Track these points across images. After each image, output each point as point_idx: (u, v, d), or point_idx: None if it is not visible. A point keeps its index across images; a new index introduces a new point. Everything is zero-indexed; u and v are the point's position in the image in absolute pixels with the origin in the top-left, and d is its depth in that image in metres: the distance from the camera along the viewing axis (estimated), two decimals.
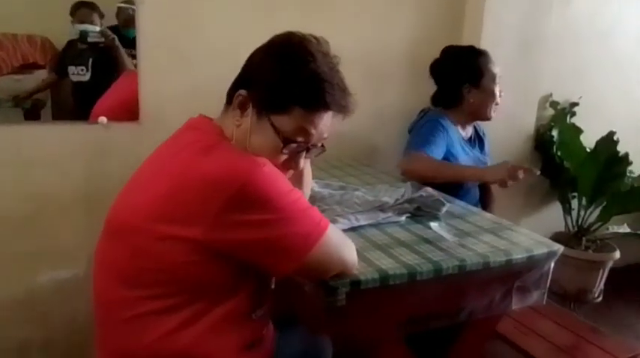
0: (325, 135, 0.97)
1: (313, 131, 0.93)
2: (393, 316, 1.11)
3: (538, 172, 1.39)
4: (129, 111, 1.63)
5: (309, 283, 1.04)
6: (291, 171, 1.02)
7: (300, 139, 0.93)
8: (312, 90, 0.91)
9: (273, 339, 1.08)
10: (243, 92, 0.92)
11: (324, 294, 0.98)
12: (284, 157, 0.95)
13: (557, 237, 2.38)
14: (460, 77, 1.82)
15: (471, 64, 1.82)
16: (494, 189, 2.02)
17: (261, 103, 0.92)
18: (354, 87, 2.07)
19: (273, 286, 1.12)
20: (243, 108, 0.93)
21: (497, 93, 1.79)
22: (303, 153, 0.98)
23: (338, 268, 0.94)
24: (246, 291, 0.91)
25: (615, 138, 2.07)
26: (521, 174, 1.45)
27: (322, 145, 1.00)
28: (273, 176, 0.85)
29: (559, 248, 1.23)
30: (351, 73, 1.99)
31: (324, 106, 0.92)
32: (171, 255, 0.84)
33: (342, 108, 0.96)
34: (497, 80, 1.79)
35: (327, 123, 0.95)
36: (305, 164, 1.09)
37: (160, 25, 1.65)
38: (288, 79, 0.90)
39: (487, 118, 1.85)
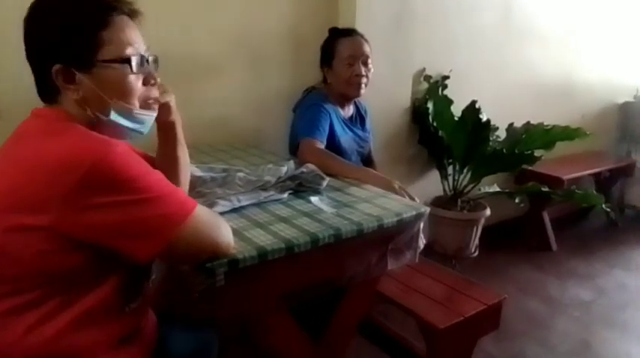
0: (145, 47, 0.95)
1: (131, 39, 0.91)
2: (275, 290, 1.16)
3: (417, 200, 1.48)
4: None
5: (185, 267, 1.05)
6: (158, 96, 1.01)
7: (130, 52, 0.91)
8: (97, 12, 0.88)
9: (154, 332, 1.07)
10: (57, 67, 0.86)
11: (203, 276, 1.00)
12: (138, 83, 0.94)
13: (436, 201, 2.59)
14: (320, 58, 1.95)
15: (326, 46, 1.93)
16: (378, 161, 2.14)
17: (80, 58, 0.87)
18: (235, 71, 2.10)
19: (153, 276, 1.11)
20: (70, 79, 0.88)
21: (352, 73, 1.84)
22: (152, 70, 0.97)
23: (210, 249, 0.94)
24: (113, 283, 0.89)
25: (477, 106, 2.27)
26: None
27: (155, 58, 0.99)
28: (127, 156, 0.83)
29: (426, 209, 1.35)
30: (232, 56, 2.03)
31: (115, 12, 0.90)
32: (23, 247, 0.80)
33: (128, 8, 0.93)
34: (356, 60, 1.84)
35: (131, 29, 0.93)
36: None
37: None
38: (75, 21, 0.87)
39: (351, 96, 1.93)
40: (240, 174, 1.46)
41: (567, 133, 2.44)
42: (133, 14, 0.94)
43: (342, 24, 2.12)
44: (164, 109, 1.06)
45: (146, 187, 0.84)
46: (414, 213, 1.32)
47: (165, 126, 1.10)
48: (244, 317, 1.15)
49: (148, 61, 0.96)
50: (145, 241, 0.84)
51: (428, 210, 1.36)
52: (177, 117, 1.11)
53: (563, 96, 3.38)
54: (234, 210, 1.26)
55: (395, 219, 1.28)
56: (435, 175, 2.69)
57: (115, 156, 0.81)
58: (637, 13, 3.68)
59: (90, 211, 0.79)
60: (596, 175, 3.40)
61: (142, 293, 1.00)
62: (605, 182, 3.55)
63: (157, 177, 0.88)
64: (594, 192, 2.95)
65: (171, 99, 1.07)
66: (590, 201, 2.64)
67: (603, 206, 2.59)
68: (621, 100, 3.83)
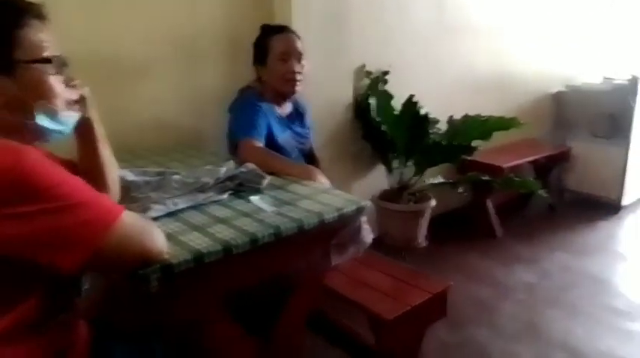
0: (54, 50, 0.92)
1: (48, 41, 0.90)
2: (215, 292, 1.13)
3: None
4: None
5: (119, 276, 1.00)
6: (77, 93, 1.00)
7: (49, 53, 0.89)
8: (10, 13, 0.86)
9: (86, 346, 1.01)
10: None
11: (136, 284, 0.96)
12: (60, 85, 0.93)
13: (382, 195, 2.62)
14: (253, 55, 1.91)
15: (259, 43, 1.90)
16: (321, 158, 2.14)
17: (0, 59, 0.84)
18: (168, 73, 2.04)
19: (85, 286, 1.06)
20: None
21: (286, 70, 1.83)
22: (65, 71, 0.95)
23: (140, 257, 0.91)
24: (37, 296, 0.84)
25: (415, 100, 2.32)
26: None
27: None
28: (42, 162, 0.79)
29: (366, 203, 1.35)
30: (164, 57, 1.98)
31: (27, 14, 0.88)
32: None
33: (38, 12, 0.91)
34: (289, 57, 1.83)
35: (45, 32, 0.91)
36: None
37: None
38: None
39: (287, 93, 1.90)
40: (177, 177, 1.41)
41: (503, 123, 2.53)
42: (42, 18, 0.91)
43: (278, 21, 2.11)
44: (80, 105, 1.02)
45: (64, 194, 0.79)
46: (354, 207, 1.32)
47: (82, 124, 1.05)
48: (186, 322, 1.11)
49: (65, 62, 0.94)
50: (67, 252, 0.79)
51: (369, 203, 1.37)
52: (94, 113, 1.07)
53: (498, 87, 3.50)
54: (169, 214, 1.22)
55: (336, 214, 1.27)
56: (380, 169, 2.72)
57: (28, 163, 0.76)
58: (566, 4, 3.86)
59: (3, 222, 0.74)
60: (535, 162, 3.53)
61: (70, 305, 0.95)
62: (543, 169, 3.70)
63: (76, 182, 0.84)
64: (532, 179, 3.08)
65: (86, 92, 1.03)
66: (528, 187, 2.75)
67: (540, 191, 2.70)
68: (554, 90, 4.01)
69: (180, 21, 2.01)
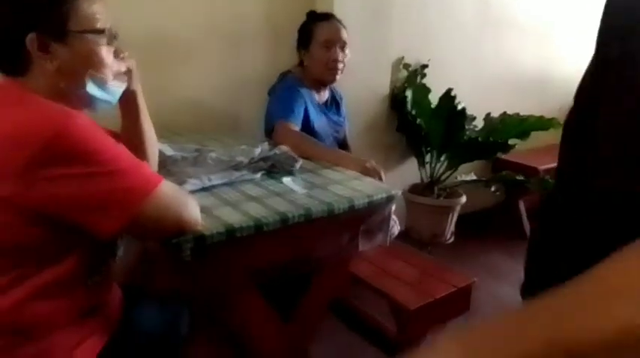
0: (106, 22, 0.95)
1: (101, 13, 0.93)
2: (243, 268, 1.16)
3: (384, 178, 1.50)
4: None
5: (153, 243, 1.05)
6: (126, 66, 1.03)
7: (102, 25, 0.93)
8: None
9: (119, 306, 1.06)
10: (32, 35, 0.85)
11: (169, 252, 1.00)
12: (110, 56, 0.96)
13: (413, 188, 2.61)
14: (297, 40, 1.93)
15: (304, 29, 1.92)
16: (355, 148, 2.15)
17: (54, 27, 0.87)
18: (210, 55, 2.08)
19: (119, 250, 1.11)
20: (45, 48, 0.87)
21: (329, 57, 1.83)
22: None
23: (175, 226, 0.94)
24: (76, 257, 0.88)
25: (453, 94, 2.29)
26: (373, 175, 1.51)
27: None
28: (90, 127, 0.82)
29: (396, 192, 1.36)
30: (208, 40, 2.02)
31: None
32: None
33: None
34: (333, 45, 1.83)
35: (100, 4, 0.94)
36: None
37: None
38: None
39: (326, 82, 1.92)
40: (213, 154, 1.45)
41: (542, 123, 2.47)
42: None
43: (319, 9, 2.11)
44: (127, 77, 1.05)
45: (109, 159, 0.83)
46: (384, 195, 1.33)
47: (127, 96, 1.08)
48: (212, 293, 1.15)
49: (115, 35, 0.97)
50: (108, 216, 0.83)
51: (399, 192, 1.38)
52: (138, 86, 1.11)
53: (540, 87, 3.42)
54: (204, 189, 1.26)
55: (366, 200, 1.28)
56: (412, 163, 2.70)
57: (76, 127, 0.80)
58: None
59: (50, 183, 0.78)
60: None
61: (105, 267, 1.00)
62: None
63: (121, 150, 0.88)
64: None
65: (133, 65, 1.07)
66: None
67: None
68: None
69: (225, 5, 2.03)
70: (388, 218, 1.40)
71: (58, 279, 0.86)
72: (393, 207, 1.39)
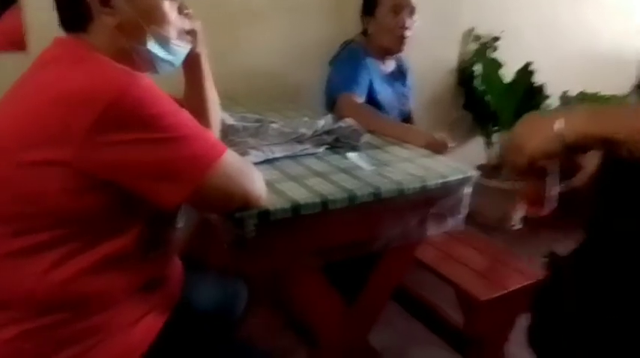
0: None
1: None
2: (307, 246, 1.09)
3: (453, 144, 1.40)
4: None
5: (215, 217, 0.99)
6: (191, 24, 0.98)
7: None
8: None
9: (180, 280, 1.02)
10: None
11: (231, 227, 0.94)
12: (174, 12, 0.90)
13: (479, 169, 2.44)
14: (362, 6, 1.80)
15: None
16: (417, 124, 2.02)
17: None
18: (272, 22, 2.00)
19: (180, 224, 1.06)
20: (106, 2, 0.82)
21: (396, 24, 1.70)
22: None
23: (239, 198, 0.88)
24: (136, 229, 0.83)
25: (531, 69, 2.11)
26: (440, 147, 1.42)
27: None
28: (153, 91, 0.77)
29: (473, 173, 1.24)
30: (269, 7, 1.92)
31: None
32: (42, 184, 0.75)
33: None
34: (401, 10, 1.70)
35: None
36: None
37: None
38: None
39: (393, 51, 1.79)
40: (274, 126, 1.37)
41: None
42: None
43: None
44: (192, 37, 0.99)
45: (172, 125, 0.77)
46: (460, 176, 1.22)
47: (192, 59, 1.02)
48: (275, 271, 1.08)
49: None
50: (170, 184, 0.78)
51: (475, 174, 1.26)
52: (203, 48, 1.04)
53: (622, 65, 3.13)
54: (266, 162, 1.19)
55: (439, 181, 1.18)
56: (479, 142, 2.54)
57: (139, 89, 0.74)
58: None
59: (111, 148, 0.73)
60: None
61: (166, 241, 0.95)
62: None
63: (185, 115, 0.81)
64: None
65: (198, 26, 1.00)
66: None
67: None
68: None
69: None
70: (461, 201, 1.28)
71: (116, 252, 0.82)
72: (468, 191, 1.28)
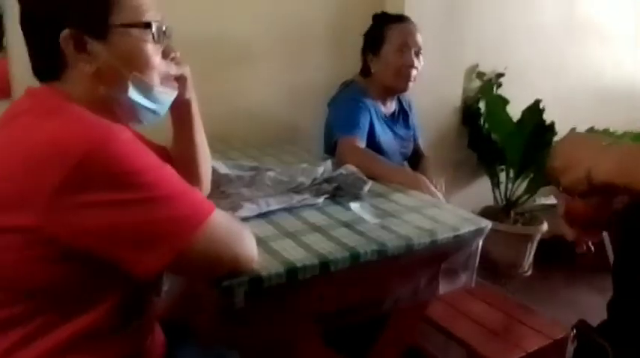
0: (159, 17, 0.81)
1: (148, 4, 0.79)
2: (305, 314, 0.98)
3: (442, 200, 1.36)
4: None
5: (201, 284, 0.88)
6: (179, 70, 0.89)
7: (149, 17, 0.78)
8: None
9: (162, 352, 0.90)
10: (66, 32, 0.72)
11: (219, 296, 0.83)
12: (157, 55, 0.82)
13: (485, 211, 2.35)
14: (365, 45, 1.74)
15: (373, 32, 1.72)
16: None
17: (92, 21, 0.74)
18: (268, 61, 1.94)
19: (164, 288, 0.95)
20: (81, 47, 0.74)
21: (403, 63, 1.64)
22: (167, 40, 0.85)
23: (228, 263, 0.78)
24: (112, 301, 0.73)
25: (541, 106, 2.03)
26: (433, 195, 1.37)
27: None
28: (132, 145, 0.68)
29: (487, 225, 1.14)
30: (268, 43, 1.86)
31: None
32: (4, 252, 0.66)
33: None
34: (408, 49, 1.64)
35: None
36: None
37: None
38: None
39: (398, 90, 1.72)
40: (271, 174, 1.28)
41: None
42: None
43: (388, 11, 1.92)
44: (180, 84, 0.90)
45: (153, 183, 0.68)
46: (473, 228, 1.12)
47: (180, 106, 0.94)
48: (270, 342, 0.97)
49: (165, 31, 0.82)
50: (149, 251, 0.68)
51: (489, 225, 1.15)
52: (193, 94, 0.96)
53: (629, 100, 3.07)
54: (260, 215, 1.09)
55: (451, 234, 1.08)
56: (485, 183, 2.44)
57: (117, 143, 0.66)
58: None
59: (83, 210, 0.64)
60: None
61: (148, 308, 0.84)
62: None
63: (168, 171, 0.72)
64: None
65: (187, 72, 0.92)
66: None
67: None
68: None
69: (286, 9, 1.88)
70: (475, 255, 1.18)
71: (91, 328, 0.72)
72: (480, 243, 1.17)
